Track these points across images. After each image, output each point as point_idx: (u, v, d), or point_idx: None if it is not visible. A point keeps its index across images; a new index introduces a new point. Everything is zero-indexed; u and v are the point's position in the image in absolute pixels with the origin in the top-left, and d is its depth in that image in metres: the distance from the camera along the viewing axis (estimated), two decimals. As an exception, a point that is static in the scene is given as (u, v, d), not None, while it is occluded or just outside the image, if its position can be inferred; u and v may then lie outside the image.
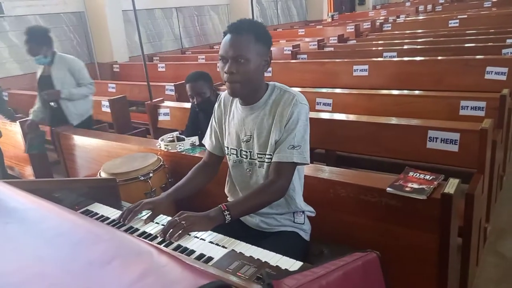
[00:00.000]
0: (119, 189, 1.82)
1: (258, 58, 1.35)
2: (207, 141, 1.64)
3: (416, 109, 2.94)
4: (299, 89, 3.80)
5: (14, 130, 3.36)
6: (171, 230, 1.20)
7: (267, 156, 1.42)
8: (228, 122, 1.53)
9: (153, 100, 3.51)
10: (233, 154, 1.52)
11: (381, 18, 9.19)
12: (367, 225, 1.62)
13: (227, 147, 1.54)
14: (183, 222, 1.21)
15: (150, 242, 0.58)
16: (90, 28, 6.45)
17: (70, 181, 1.60)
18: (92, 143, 2.75)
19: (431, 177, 1.56)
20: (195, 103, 2.45)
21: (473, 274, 2.06)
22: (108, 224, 1.33)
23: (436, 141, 2.21)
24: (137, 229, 1.28)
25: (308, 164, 1.43)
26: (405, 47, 4.78)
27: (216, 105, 1.60)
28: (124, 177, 1.97)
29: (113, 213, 1.41)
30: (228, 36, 1.36)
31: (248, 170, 1.49)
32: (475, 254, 2.07)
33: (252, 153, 1.46)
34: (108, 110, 3.82)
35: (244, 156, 1.49)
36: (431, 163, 2.37)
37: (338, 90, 3.47)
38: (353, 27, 7.55)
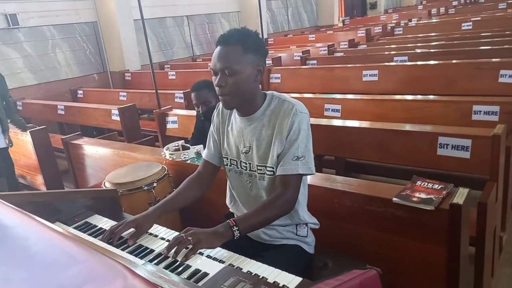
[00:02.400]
0: (120, 199, 1.82)
1: (248, 69, 1.31)
2: (205, 149, 1.61)
3: (426, 114, 2.87)
4: (308, 95, 3.79)
5: (25, 140, 3.40)
6: (176, 247, 1.16)
7: (267, 168, 1.38)
8: (227, 132, 1.50)
9: (162, 108, 3.52)
10: (233, 165, 1.49)
11: (392, 22, 9.09)
12: (373, 237, 1.57)
13: (226, 158, 1.51)
14: (190, 239, 1.17)
15: (124, 264, 0.55)
16: (102, 38, 6.54)
17: (71, 192, 1.59)
18: (99, 152, 2.76)
19: (439, 186, 1.50)
20: (200, 111, 2.44)
21: (488, 286, 1.98)
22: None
23: (446, 148, 2.14)
24: (141, 245, 1.26)
25: (314, 174, 1.39)
26: (417, 51, 4.70)
27: (214, 114, 1.57)
28: (128, 187, 1.96)
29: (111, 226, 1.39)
30: (217, 48, 1.34)
31: (248, 181, 1.46)
32: (490, 265, 1.99)
33: (251, 164, 1.43)
34: (118, 118, 3.84)
35: (244, 168, 1.45)
36: (442, 170, 2.30)
37: (347, 96, 3.42)
38: (364, 31, 7.48)
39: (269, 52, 6.77)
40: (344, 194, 1.63)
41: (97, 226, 1.40)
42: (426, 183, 1.54)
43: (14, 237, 0.66)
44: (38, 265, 0.57)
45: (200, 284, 0.99)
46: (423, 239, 1.45)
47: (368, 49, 5.74)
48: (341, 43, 6.77)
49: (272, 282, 1.02)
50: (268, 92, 1.44)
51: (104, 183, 2.05)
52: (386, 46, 5.61)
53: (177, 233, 1.30)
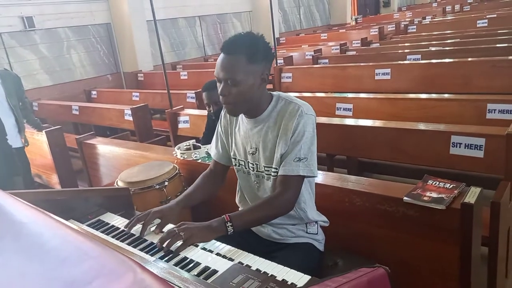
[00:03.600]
0: (132, 198, 1.85)
1: (251, 79, 1.31)
2: (213, 150, 1.62)
3: (440, 113, 2.84)
4: (320, 94, 3.78)
5: (41, 140, 3.47)
6: (169, 240, 1.18)
7: (273, 170, 1.39)
8: (235, 133, 1.51)
9: (173, 108, 3.55)
10: (241, 165, 1.51)
11: (406, 20, 9.00)
12: (383, 236, 1.56)
13: (235, 158, 1.52)
14: (182, 234, 1.19)
15: (134, 260, 0.56)
16: (116, 39, 6.63)
17: (84, 191, 1.62)
18: (112, 151, 2.81)
19: (451, 186, 1.48)
20: (211, 111, 2.46)
21: (502, 287, 1.95)
22: (117, 234, 1.34)
23: (459, 147, 2.11)
24: (145, 240, 1.28)
25: (316, 177, 1.39)
26: (431, 49, 4.64)
27: (222, 114, 1.58)
28: (139, 186, 1.99)
29: (124, 224, 1.41)
30: (221, 56, 1.33)
31: (255, 182, 1.47)
32: (504, 265, 1.95)
33: (258, 165, 1.44)
34: (131, 118, 3.90)
35: (251, 168, 1.47)
36: (455, 170, 2.27)
37: (359, 95, 3.40)
38: (377, 30, 7.42)
39: (281, 51, 6.80)
40: (354, 193, 1.62)
41: (109, 223, 1.42)
42: (438, 182, 1.53)
43: (29, 233, 0.69)
44: (51, 260, 0.59)
45: (209, 281, 1.00)
46: (435, 239, 1.44)
47: (381, 48, 5.69)
48: (353, 42, 6.73)
49: (280, 280, 1.03)
50: (274, 93, 1.44)
51: (117, 182, 2.08)
52: (399, 45, 5.56)
53: (172, 225, 1.32)
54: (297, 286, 1.00)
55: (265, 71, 1.35)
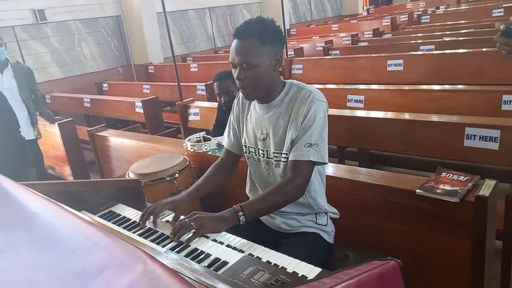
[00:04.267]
0: (143, 189, 1.86)
1: (266, 60, 1.32)
2: (225, 138, 1.63)
3: (453, 105, 2.79)
4: (331, 85, 3.74)
5: (53, 132, 3.51)
6: (180, 231, 1.19)
7: (283, 155, 1.39)
8: (246, 120, 1.51)
9: (184, 100, 3.55)
10: (251, 152, 1.50)
11: (419, 10, 8.83)
12: (395, 229, 1.54)
13: (245, 145, 1.52)
14: (193, 224, 1.20)
15: (144, 251, 0.56)
16: (126, 31, 6.64)
17: (95, 182, 1.63)
18: (123, 143, 2.82)
19: (465, 178, 1.45)
20: (222, 101, 2.45)
21: (516, 281, 1.92)
22: (128, 225, 1.35)
23: (474, 139, 2.07)
24: (156, 231, 1.29)
25: (326, 163, 1.37)
26: (445, 39, 4.55)
27: (234, 103, 1.58)
28: (150, 178, 2.00)
29: (135, 215, 1.42)
30: (234, 42, 1.34)
31: (265, 169, 1.47)
32: (519, 259, 1.92)
33: (268, 152, 1.44)
34: (141, 110, 3.91)
35: (261, 155, 1.46)
36: (469, 162, 2.24)
37: (370, 86, 3.36)
38: (389, 20, 7.31)
39: (291, 43, 6.74)
40: (366, 185, 1.60)
41: (121, 215, 1.43)
42: (451, 175, 1.50)
43: (41, 224, 0.69)
44: (62, 250, 0.59)
45: (219, 272, 1.00)
46: (448, 232, 1.42)
47: (393, 38, 5.60)
48: (365, 33, 6.64)
49: (291, 272, 1.02)
50: (288, 80, 1.44)
51: (128, 173, 2.09)
52: (412, 35, 5.47)
53: (183, 217, 1.33)
54: (308, 278, 0.99)
55: (278, 52, 1.37)
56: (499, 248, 1.70)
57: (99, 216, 1.43)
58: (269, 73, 1.34)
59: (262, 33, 1.32)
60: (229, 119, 1.62)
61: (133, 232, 1.29)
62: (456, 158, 2.25)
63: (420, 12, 7.86)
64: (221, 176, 1.60)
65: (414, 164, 3.09)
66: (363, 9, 11.57)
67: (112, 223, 1.37)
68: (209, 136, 2.32)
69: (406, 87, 3.20)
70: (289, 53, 4.97)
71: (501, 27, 1.08)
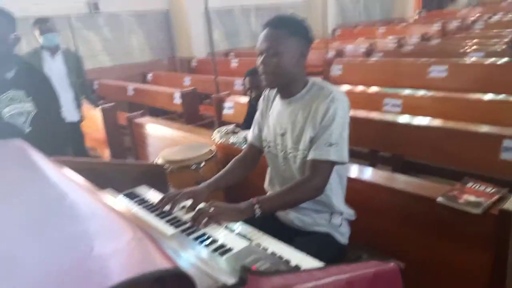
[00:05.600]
0: (170, 176, 1.94)
1: (291, 51, 1.34)
2: (250, 132, 1.66)
3: (496, 116, 2.65)
4: (369, 88, 3.66)
5: (96, 115, 3.70)
6: (199, 217, 1.23)
7: (299, 151, 1.39)
8: (268, 116, 1.54)
9: (220, 94, 3.62)
10: (270, 147, 1.52)
11: (474, 16, 8.41)
12: (413, 236, 1.50)
13: (265, 140, 1.54)
14: (211, 211, 1.24)
15: (136, 223, 0.60)
16: (173, 25, 6.85)
17: (122, 164, 1.72)
18: (158, 131, 2.93)
19: (492, 190, 1.39)
20: (253, 96, 2.48)
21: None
22: (148, 206, 1.41)
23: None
24: (169, 213, 1.34)
25: (346, 163, 1.36)
26: (497, 48, 4.32)
27: (261, 99, 1.61)
28: (177, 165, 2.07)
29: (155, 197, 1.48)
30: (265, 30, 1.38)
31: (283, 164, 1.48)
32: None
33: (286, 147, 1.45)
34: (179, 101, 4.03)
35: (280, 150, 1.48)
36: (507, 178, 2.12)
37: (409, 91, 3.26)
38: (439, 25, 7.02)
39: (334, 43, 6.65)
40: (387, 190, 1.58)
41: (142, 196, 1.50)
42: (478, 186, 1.44)
43: (54, 190, 0.75)
44: (66, 214, 0.64)
45: (223, 258, 1.03)
46: (467, 245, 1.37)
47: (440, 44, 5.39)
48: (412, 37, 6.43)
49: (294, 265, 1.03)
50: (311, 78, 1.45)
51: (158, 159, 2.18)
52: (461, 42, 5.22)
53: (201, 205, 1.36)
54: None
55: (304, 46, 1.39)
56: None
57: (123, 195, 1.50)
58: (292, 64, 1.36)
59: (291, 25, 1.36)
60: (256, 115, 1.65)
61: (151, 212, 1.34)
62: (492, 171, 2.14)
63: (474, 18, 7.48)
64: (241, 170, 1.62)
65: (449, 175, 2.96)
66: (414, 13, 11.18)
67: (134, 202, 1.44)
68: (238, 129, 2.36)
69: (447, 94, 3.08)
70: (330, 53, 4.91)
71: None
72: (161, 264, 0.49)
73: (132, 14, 6.36)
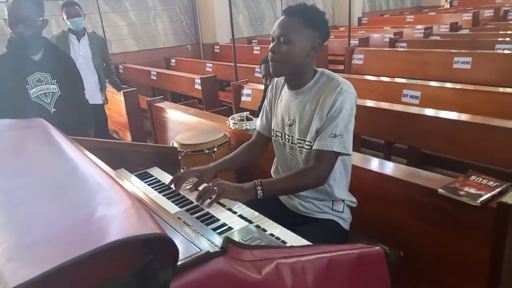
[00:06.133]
0: (184, 159, 2.03)
1: (303, 41, 1.36)
2: (258, 121, 1.70)
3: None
4: (387, 78, 3.63)
5: (119, 99, 3.83)
6: (205, 195, 1.30)
7: (306, 142, 1.43)
8: (277, 105, 1.57)
9: (238, 81, 3.67)
10: (278, 136, 1.56)
11: (509, 5, 8.06)
12: (414, 225, 1.53)
13: (273, 129, 1.59)
14: (215, 189, 1.31)
15: (134, 197, 0.67)
16: (198, 10, 6.89)
17: (136, 145, 1.81)
18: (176, 115, 3.02)
19: (494, 184, 1.40)
20: (268, 83, 2.53)
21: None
22: (158, 186, 1.49)
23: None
24: (180, 194, 1.42)
25: (350, 155, 1.40)
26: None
27: (269, 88, 1.65)
28: (191, 149, 2.15)
29: (166, 178, 1.56)
30: (281, 17, 1.40)
31: (289, 153, 1.52)
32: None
33: (293, 137, 1.49)
34: (199, 87, 4.11)
35: (287, 140, 1.52)
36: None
37: (429, 83, 3.21)
38: (470, 15, 6.78)
39: (360, 32, 6.54)
40: (391, 179, 1.60)
41: (154, 176, 1.59)
42: (481, 179, 1.45)
43: (68, 164, 0.84)
44: (76, 184, 0.73)
45: (222, 236, 1.09)
46: (466, 236, 1.39)
47: (469, 34, 5.23)
48: (441, 26, 6.25)
49: (289, 246, 1.08)
50: (319, 69, 1.47)
51: (173, 143, 2.26)
52: (491, 32, 5.05)
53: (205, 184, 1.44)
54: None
55: (317, 39, 1.40)
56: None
57: (135, 175, 1.60)
58: (302, 55, 1.38)
59: (308, 16, 1.37)
60: (263, 104, 1.69)
61: (159, 192, 1.43)
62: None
63: (509, 8, 7.18)
64: (249, 155, 1.69)
65: (466, 169, 2.93)
66: (446, 1, 10.80)
67: (145, 182, 1.53)
68: (251, 116, 2.41)
69: (468, 87, 3.02)
70: (352, 42, 4.86)
71: None
72: (151, 230, 0.56)
73: (158, -2, 6.45)
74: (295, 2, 8.39)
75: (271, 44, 1.40)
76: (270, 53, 1.40)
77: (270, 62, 1.42)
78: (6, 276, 0.49)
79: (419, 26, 6.59)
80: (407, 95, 3.19)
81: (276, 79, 1.62)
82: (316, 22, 1.38)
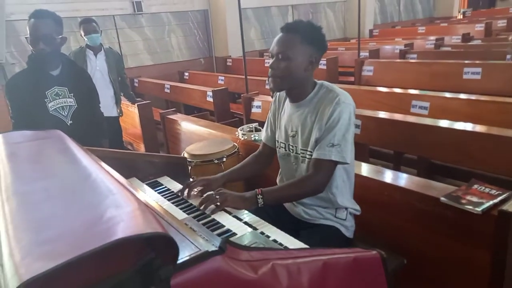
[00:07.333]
0: (194, 169, 2.09)
1: (300, 57, 1.42)
2: (263, 132, 1.76)
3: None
4: (397, 90, 3.65)
5: (133, 112, 3.94)
6: (206, 202, 1.35)
7: (308, 153, 1.48)
8: (280, 117, 1.63)
9: (249, 93, 3.75)
10: (282, 147, 1.62)
11: (523, 15, 8.00)
12: (416, 233, 1.55)
13: (277, 141, 1.64)
14: (217, 197, 1.36)
15: (142, 198, 0.72)
16: (211, 25, 7.05)
17: (146, 155, 1.89)
18: (188, 127, 3.10)
19: (496, 192, 1.42)
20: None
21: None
22: (167, 194, 1.55)
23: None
24: (186, 201, 1.47)
25: (348, 163, 1.44)
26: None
27: (272, 100, 1.70)
28: (201, 159, 2.22)
29: (176, 187, 1.62)
30: (279, 34, 1.46)
31: (294, 163, 1.57)
32: None
33: (297, 148, 1.54)
34: (211, 99, 4.20)
35: (291, 151, 1.57)
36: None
37: (438, 94, 3.22)
38: (483, 25, 6.75)
39: (370, 44, 6.58)
40: (394, 188, 1.63)
41: (164, 185, 1.65)
42: (484, 188, 1.47)
43: (83, 172, 0.90)
44: (87, 190, 0.79)
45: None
46: (468, 244, 1.40)
47: (481, 45, 5.21)
48: (453, 37, 6.25)
49: (286, 249, 1.12)
50: (319, 81, 1.52)
51: (184, 153, 2.33)
52: (503, 43, 5.03)
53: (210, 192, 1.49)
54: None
55: (314, 54, 1.45)
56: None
57: (146, 184, 1.66)
58: (300, 70, 1.43)
59: (305, 33, 1.43)
60: (267, 116, 1.75)
61: (169, 200, 1.49)
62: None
63: (522, 18, 7.14)
64: (255, 166, 1.74)
65: (478, 179, 2.91)
66: (459, 12, 10.76)
67: (155, 190, 1.59)
68: (260, 127, 2.47)
69: (478, 97, 3.02)
70: (362, 54, 4.91)
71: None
72: (154, 229, 0.62)
73: (172, 14, 6.62)
74: (305, 14, 8.52)
75: (271, 61, 1.47)
76: (270, 70, 1.46)
77: (270, 78, 1.48)
78: (21, 270, 0.55)
79: (430, 37, 6.60)
80: (416, 105, 3.20)
81: (278, 93, 1.68)
82: (312, 37, 1.43)
